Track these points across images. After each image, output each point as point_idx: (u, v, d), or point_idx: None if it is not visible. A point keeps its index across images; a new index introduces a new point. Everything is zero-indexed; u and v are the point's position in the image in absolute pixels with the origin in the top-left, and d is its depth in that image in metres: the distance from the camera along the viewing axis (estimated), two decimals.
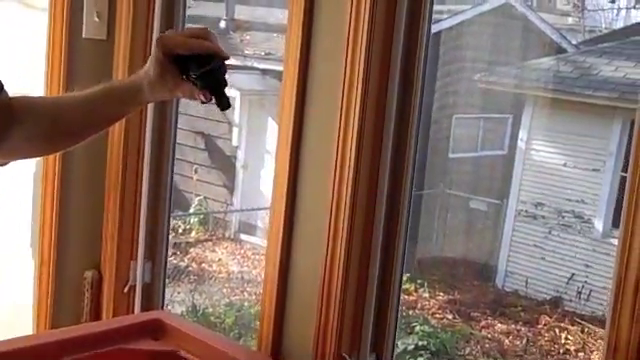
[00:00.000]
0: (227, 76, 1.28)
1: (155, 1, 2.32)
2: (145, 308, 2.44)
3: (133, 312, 2.42)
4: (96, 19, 2.36)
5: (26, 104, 1.34)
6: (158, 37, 1.38)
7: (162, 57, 1.27)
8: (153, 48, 1.32)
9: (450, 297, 6.37)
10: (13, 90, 1.34)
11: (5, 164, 1.38)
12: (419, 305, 6.22)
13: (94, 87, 1.36)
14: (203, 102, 1.27)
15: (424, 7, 1.91)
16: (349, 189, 1.90)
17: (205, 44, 1.27)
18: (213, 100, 1.27)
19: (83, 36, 2.37)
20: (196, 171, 6.92)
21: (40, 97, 1.39)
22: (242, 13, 7.56)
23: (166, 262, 2.52)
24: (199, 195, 6.97)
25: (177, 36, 1.33)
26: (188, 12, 2.50)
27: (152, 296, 2.49)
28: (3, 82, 1.31)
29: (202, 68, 1.24)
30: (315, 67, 1.99)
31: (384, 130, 1.92)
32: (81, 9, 2.35)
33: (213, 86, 1.25)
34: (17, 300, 2.49)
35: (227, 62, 1.30)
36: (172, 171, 2.50)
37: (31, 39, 2.37)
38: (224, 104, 1.25)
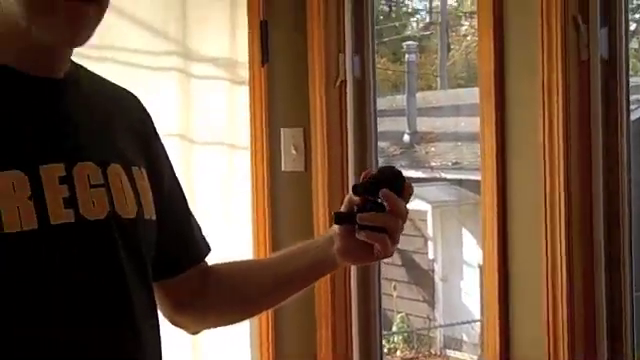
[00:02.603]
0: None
1: (347, 133, 2.41)
2: None
3: None
4: (293, 152, 2.47)
5: (218, 271, 1.34)
6: None
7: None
8: None
9: None
10: (222, 241, 1.37)
11: (196, 333, 1.39)
12: None
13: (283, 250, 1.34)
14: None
15: (620, 100, 1.87)
16: (564, 301, 1.83)
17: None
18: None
19: (282, 169, 2.48)
20: (395, 288, 6.90)
21: (231, 263, 1.39)
22: (424, 125, 7.63)
23: None
24: (400, 312, 6.91)
25: None
26: None
27: None
28: (211, 246, 1.33)
29: None
30: (513, 174, 1.97)
31: (593, 225, 1.86)
32: (279, 144, 2.47)
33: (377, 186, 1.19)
34: None
35: (414, 176, 1.26)
36: (379, 291, 2.51)
37: (235, 177, 2.50)
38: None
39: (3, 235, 0.95)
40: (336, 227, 1.22)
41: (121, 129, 1.16)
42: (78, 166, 1.03)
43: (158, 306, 1.23)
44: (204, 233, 1.32)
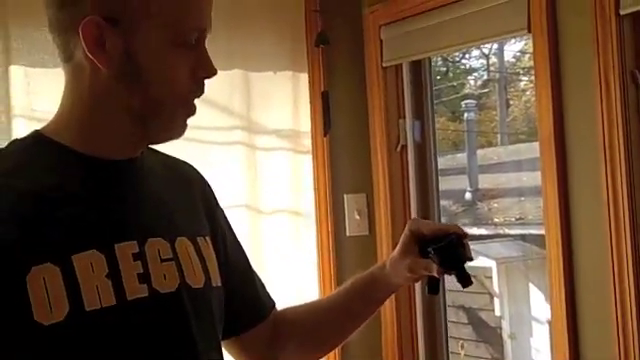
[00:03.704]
0: (470, 253, 1.30)
1: (410, 196, 2.45)
2: None
3: None
4: (357, 217, 2.51)
5: (289, 318, 1.40)
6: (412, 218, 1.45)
7: (409, 234, 1.32)
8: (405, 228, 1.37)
9: None
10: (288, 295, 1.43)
11: None
12: None
13: (342, 285, 1.41)
14: (436, 278, 1.30)
15: None
16: (636, 353, 1.82)
17: (445, 225, 1.33)
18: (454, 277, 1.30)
19: (347, 234, 2.53)
20: (462, 347, 6.80)
21: (298, 306, 1.45)
22: (486, 182, 7.59)
23: None
24: None
25: (427, 221, 1.39)
26: None
27: None
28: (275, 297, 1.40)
29: (439, 244, 1.29)
30: (577, 227, 1.97)
31: None
32: (343, 210, 2.52)
33: (449, 261, 1.28)
34: None
35: (477, 233, 1.33)
36: (447, 349, 2.52)
37: (301, 243, 2.55)
38: (464, 280, 1.27)
39: (84, 313, 1.01)
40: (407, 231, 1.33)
41: (184, 201, 1.22)
42: (149, 242, 1.09)
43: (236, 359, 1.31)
44: (267, 289, 1.39)
